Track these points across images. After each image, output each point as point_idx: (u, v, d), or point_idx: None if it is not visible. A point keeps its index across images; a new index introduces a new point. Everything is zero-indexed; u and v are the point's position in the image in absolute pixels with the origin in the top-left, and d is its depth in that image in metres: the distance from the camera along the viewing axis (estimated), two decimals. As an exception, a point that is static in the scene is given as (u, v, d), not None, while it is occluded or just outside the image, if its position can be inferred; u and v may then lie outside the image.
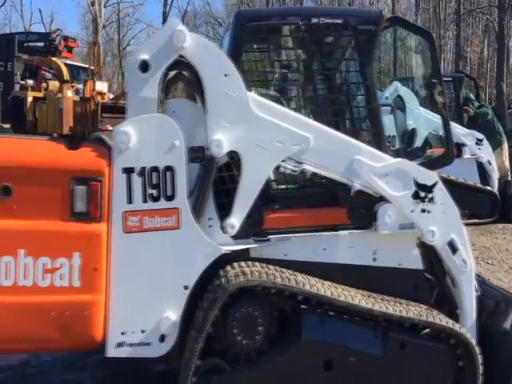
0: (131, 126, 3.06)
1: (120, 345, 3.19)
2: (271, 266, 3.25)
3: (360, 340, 3.29)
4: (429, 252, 3.64)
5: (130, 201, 3.12)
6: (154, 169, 3.13)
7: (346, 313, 3.30)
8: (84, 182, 3.03)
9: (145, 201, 3.14)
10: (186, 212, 3.19)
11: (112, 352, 3.20)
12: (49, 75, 10.06)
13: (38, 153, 3.06)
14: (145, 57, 3.04)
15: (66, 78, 9.05)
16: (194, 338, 3.05)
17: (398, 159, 3.47)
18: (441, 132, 3.82)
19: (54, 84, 8.68)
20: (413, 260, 3.64)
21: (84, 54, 28.24)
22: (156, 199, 3.15)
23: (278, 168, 3.31)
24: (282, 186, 3.48)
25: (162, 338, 3.24)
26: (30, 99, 7.88)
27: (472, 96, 11.51)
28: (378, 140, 3.52)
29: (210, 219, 3.28)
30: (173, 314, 3.21)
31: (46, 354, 3.42)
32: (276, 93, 3.40)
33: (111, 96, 8.46)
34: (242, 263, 3.26)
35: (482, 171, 9.86)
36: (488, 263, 7.57)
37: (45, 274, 3.03)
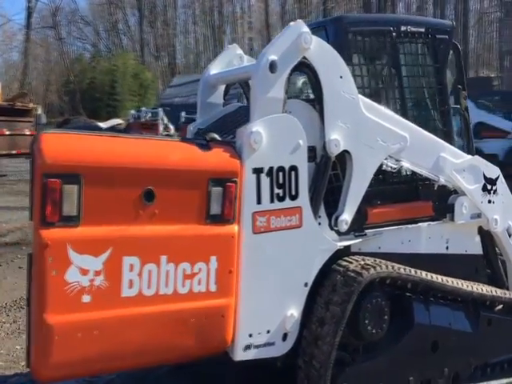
0: (262, 125, 3.06)
1: (247, 347, 3.17)
2: (381, 260, 3.43)
3: (458, 320, 3.62)
4: (486, 238, 4.09)
5: (258, 201, 3.11)
6: (281, 168, 3.15)
7: (445, 297, 3.59)
8: (220, 183, 2.97)
9: (272, 201, 3.15)
10: (308, 210, 3.26)
11: (240, 355, 3.16)
12: None
13: (178, 154, 2.93)
14: (273, 57, 3.06)
15: None
16: (333, 332, 3.12)
17: (472, 156, 3.85)
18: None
19: None
20: (475, 246, 4.06)
21: None
22: (282, 199, 3.18)
23: (380, 166, 3.51)
24: (381, 183, 3.67)
25: (285, 337, 3.27)
26: None
27: None
28: (450, 138, 3.87)
29: (319, 217, 3.38)
30: (295, 312, 3.26)
31: (179, 362, 3.23)
32: (371, 94, 3.58)
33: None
34: (355, 257, 3.41)
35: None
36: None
37: (185, 281, 2.92)
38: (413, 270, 3.39)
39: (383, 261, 3.38)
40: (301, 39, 3.10)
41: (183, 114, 35.01)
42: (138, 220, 2.78)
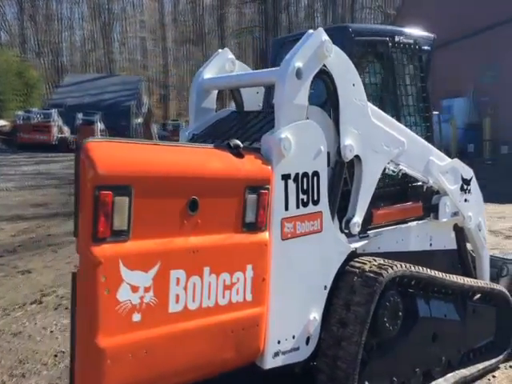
0: (290, 132, 3.07)
1: (276, 354, 3.17)
2: (392, 260, 3.60)
3: (451, 311, 3.90)
4: (459, 234, 4.45)
5: (286, 207, 3.12)
6: (305, 174, 3.19)
7: (440, 291, 3.86)
8: (255, 191, 2.94)
9: (297, 206, 3.18)
10: (327, 215, 3.33)
11: (270, 363, 3.15)
12: None
13: (218, 162, 2.84)
14: (299, 64, 3.09)
15: None
16: (359, 332, 3.22)
17: (454, 159, 4.17)
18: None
19: None
20: (451, 242, 4.41)
21: None
22: (306, 204, 3.22)
23: (384, 170, 3.68)
24: (382, 185, 3.83)
25: (308, 341, 3.31)
26: None
27: None
28: (432, 143, 4.16)
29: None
30: (317, 315, 3.32)
31: (216, 375, 3.06)
32: (372, 101, 3.73)
33: None
34: (365, 258, 3.54)
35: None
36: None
37: (225, 291, 2.85)
38: (420, 268, 3.60)
39: (395, 261, 3.54)
40: (323, 47, 3.16)
41: (80, 115, 33.50)
42: (184, 231, 2.67)
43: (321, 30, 3.21)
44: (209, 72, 3.97)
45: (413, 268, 3.53)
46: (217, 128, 3.86)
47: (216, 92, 4.05)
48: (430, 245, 4.21)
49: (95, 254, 2.36)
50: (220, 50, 4.11)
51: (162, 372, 2.66)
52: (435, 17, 20.13)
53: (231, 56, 4.07)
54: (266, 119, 3.60)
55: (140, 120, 42.11)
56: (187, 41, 59.43)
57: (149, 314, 2.54)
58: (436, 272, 3.73)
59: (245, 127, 3.64)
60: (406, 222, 4.01)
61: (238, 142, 3.12)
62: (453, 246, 4.43)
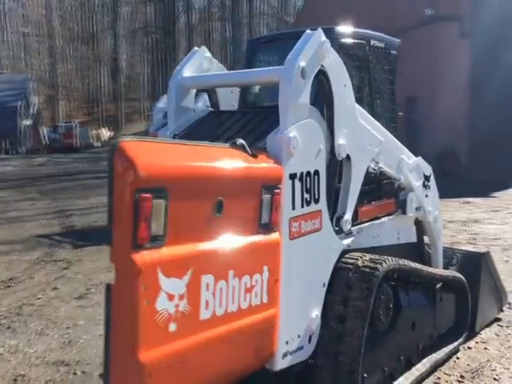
0: (297, 131, 3.07)
1: (285, 355, 3.15)
2: (379, 255, 3.73)
3: (425, 299, 4.14)
4: (418, 227, 4.74)
5: (293, 207, 3.12)
6: (308, 173, 3.21)
7: (415, 281, 4.07)
8: (269, 191, 2.90)
9: (302, 205, 3.19)
10: (325, 213, 3.38)
11: (280, 364, 3.12)
12: None
13: (238, 162, 2.74)
14: (303, 64, 3.10)
15: None
16: (361, 326, 3.29)
17: (418, 157, 4.42)
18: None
19: None
20: (413, 235, 4.67)
21: None
22: (309, 203, 3.23)
23: (367, 168, 3.81)
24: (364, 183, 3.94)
25: (310, 339, 3.34)
26: None
27: None
28: (401, 142, 4.37)
29: None
30: (318, 313, 3.36)
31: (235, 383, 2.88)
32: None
33: None
34: (355, 254, 3.64)
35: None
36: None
37: (246, 295, 2.78)
38: (404, 261, 3.78)
39: (383, 256, 3.68)
40: (322, 48, 3.20)
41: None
42: (211, 233, 2.57)
43: (320, 30, 3.24)
44: (188, 70, 3.84)
45: (400, 261, 3.70)
46: (201, 128, 3.76)
47: (194, 91, 3.93)
48: (398, 238, 4.43)
49: (136, 262, 2.19)
50: (196, 48, 4.00)
51: (193, 383, 2.54)
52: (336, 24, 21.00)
53: (208, 54, 3.98)
54: (254, 119, 3.57)
55: (29, 122, 39.34)
56: (76, 39, 56.63)
57: (183, 323, 2.41)
58: (415, 264, 3.94)
59: (233, 127, 3.58)
60: (378, 218, 4.18)
61: (243, 142, 3.06)
62: (414, 238, 4.70)
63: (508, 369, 4.21)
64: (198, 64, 3.91)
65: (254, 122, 3.57)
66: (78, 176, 19.67)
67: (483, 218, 11.03)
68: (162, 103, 10.41)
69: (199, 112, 3.94)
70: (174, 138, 3.72)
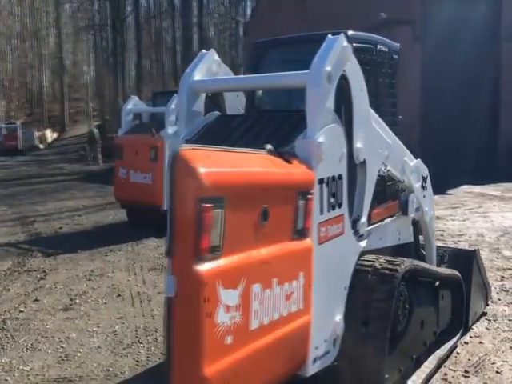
0: (325, 136, 3.07)
1: (314, 360, 3.15)
2: (396, 257, 3.79)
3: (430, 298, 4.24)
4: (414, 227, 4.85)
5: (321, 211, 3.12)
6: (333, 178, 3.22)
7: (421, 281, 4.16)
8: (304, 197, 2.88)
9: (328, 210, 3.19)
10: (347, 217, 3.40)
11: (311, 369, 3.12)
12: None
13: (278, 169, 2.70)
14: (329, 68, 3.10)
15: None
16: (384, 328, 3.34)
17: (417, 159, 4.52)
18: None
19: None
20: (411, 235, 4.78)
21: None
22: (334, 207, 3.25)
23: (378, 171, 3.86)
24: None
25: (335, 343, 3.35)
26: None
27: None
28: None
29: None
30: (341, 316, 3.38)
31: None
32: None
33: None
34: (371, 256, 3.68)
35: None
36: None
37: (286, 302, 2.75)
38: (417, 262, 3.86)
39: (398, 257, 3.74)
40: (345, 52, 3.21)
41: None
42: (258, 242, 2.53)
43: (342, 35, 3.25)
44: (198, 74, 3.76)
45: (414, 262, 3.77)
46: (213, 133, 3.68)
47: (204, 95, 3.85)
48: (399, 239, 4.52)
49: (199, 274, 2.12)
50: (204, 51, 3.92)
51: None
52: (291, 24, 21.07)
53: (217, 58, 3.91)
54: (271, 124, 3.54)
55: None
56: (15, 36, 54.23)
57: (237, 335, 2.36)
58: (425, 264, 4.03)
59: (250, 132, 3.54)
60: (383, 220, 4.24)
61: (271, 147, 3.03)
62: (411, 238, 4.81)
63: (506, 361, 4.38)
64: (208, 67, 3.84)
65: (271, 127, 3.53)
66: (29, 180, 18.84)
67: (445, 214, 11.42)
68: (130, 104, 10.08)
69: (208, 116, 3.87)
70: (186, 142, 3.63)
